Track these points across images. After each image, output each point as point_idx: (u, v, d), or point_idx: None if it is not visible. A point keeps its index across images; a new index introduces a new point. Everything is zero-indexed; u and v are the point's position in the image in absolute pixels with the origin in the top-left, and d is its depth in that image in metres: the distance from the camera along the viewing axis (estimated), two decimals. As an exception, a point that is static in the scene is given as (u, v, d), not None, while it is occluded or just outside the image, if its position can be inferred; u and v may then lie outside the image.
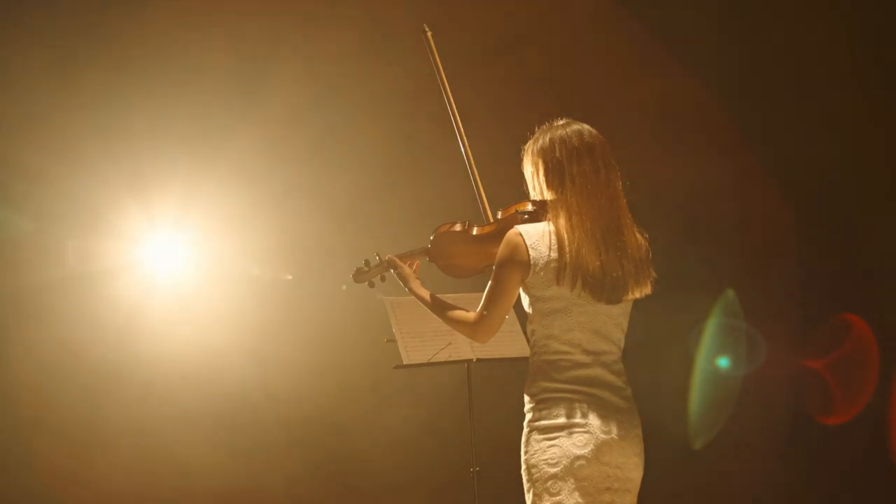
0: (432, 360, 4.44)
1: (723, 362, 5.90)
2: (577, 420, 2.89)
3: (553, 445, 2.89)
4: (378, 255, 3.53)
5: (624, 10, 5.79)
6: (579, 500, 2.86)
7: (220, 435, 5.58)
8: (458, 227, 3.31)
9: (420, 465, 5.72)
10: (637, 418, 3.00)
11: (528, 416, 2.97)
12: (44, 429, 5.36)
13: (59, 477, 5.34)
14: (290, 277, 5.78)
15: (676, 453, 5.57)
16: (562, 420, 2.89)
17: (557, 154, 2.98)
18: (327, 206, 5.76)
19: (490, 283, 3.00)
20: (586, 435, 2.88)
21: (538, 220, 3.01)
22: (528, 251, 2.93)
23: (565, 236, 2.92)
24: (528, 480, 2.94)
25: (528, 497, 2.94)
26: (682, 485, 5.53)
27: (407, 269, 3.36)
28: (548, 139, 3.01)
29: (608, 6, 5.80)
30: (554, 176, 2.98)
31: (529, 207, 3.06)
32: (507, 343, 4.45)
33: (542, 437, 2.91)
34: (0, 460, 5.27)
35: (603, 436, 2.89)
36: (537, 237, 2.94)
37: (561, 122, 3.05)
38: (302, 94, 5.63)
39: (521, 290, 3.01)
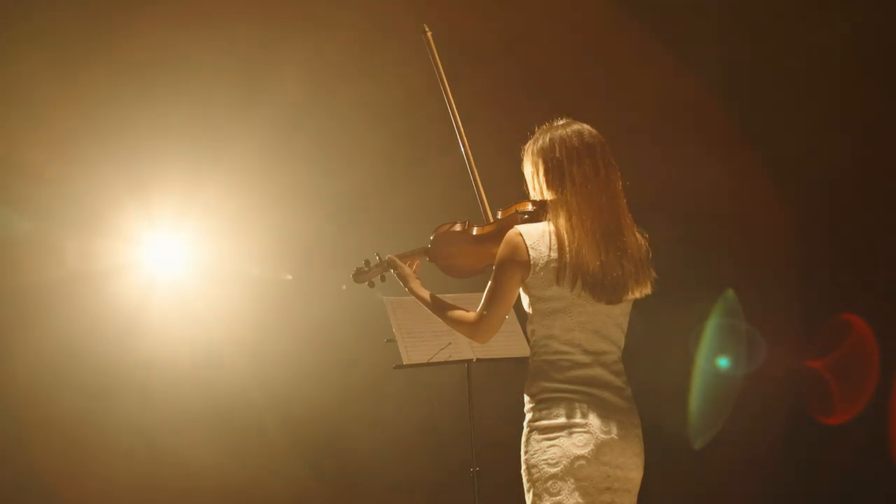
0: (432, 360, 4.44)
1: (723, 362, 5.90)
2: (577, 420, 2.89)
3: (553, 445, 2.89)
4: (378, 255, 3.52)
5: (624, 10, 5.79)
6: (579, 500, 2.86)
7: (220, 435, 5.58)
8: (458, 227, 3.31)
9: (420, 465, 5.72)
10: (637, 418, 3.01)
11: (528, 416, 2.97)
12: (44, 429, 5.35)
13: (59, 477, 5.34)
14: (289, 277, 5.77)
15: (676, 453, 5.57)
16: (562, 420, 2.89)
17: (557, 154, 2.97)
18: (327, 206, 5.75)
19: (490, 283, 3.00)
20: (586, 435, 2.88)
21: (538, 220, 3.01)
22: (528, 251, 2.93)
23: (565, 236, 2.91)
24: (528, 480, 2.94)
25: (528, 497, 2.94)
26: (682, 485, 5.53)
27: (407, 269, 3.36)
28: (548, 139, 3.01)
29: (608, 6, 5.80)
30: (554, 176, 2.98)
31: (529, 207, 3.06)
32: (507, 343, 4.45)
33: (542, 437, 2.91)
34: (0, 460, 5.27)
35: (603, 436, 2.89)
36: (537, 237, 2.94)
37: (561, 122, 3.05)
38: (302, 94, 5.63)
39: (521, 290, 3.01)
